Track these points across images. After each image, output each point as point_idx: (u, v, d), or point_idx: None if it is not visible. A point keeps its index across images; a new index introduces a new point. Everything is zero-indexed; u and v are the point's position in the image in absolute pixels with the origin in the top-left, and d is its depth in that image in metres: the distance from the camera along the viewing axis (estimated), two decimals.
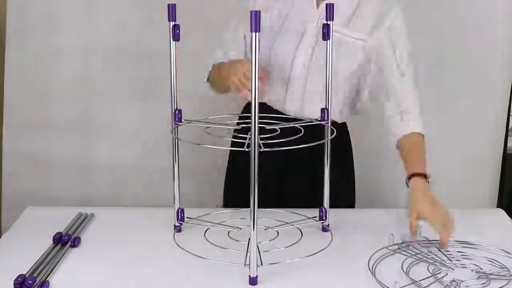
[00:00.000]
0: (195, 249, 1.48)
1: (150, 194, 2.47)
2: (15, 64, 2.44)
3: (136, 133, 2.51)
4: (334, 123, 1.83)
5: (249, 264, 1.36)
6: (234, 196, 1.96)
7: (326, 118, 1.63)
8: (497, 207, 2.49)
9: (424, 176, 1.64)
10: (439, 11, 2.39)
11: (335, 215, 1.70)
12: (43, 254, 1.49)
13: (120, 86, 2.47)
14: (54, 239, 1.57)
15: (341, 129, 1.90)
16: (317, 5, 1.79)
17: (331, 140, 1.60)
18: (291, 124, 1.61)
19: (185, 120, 1.61)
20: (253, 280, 1.36)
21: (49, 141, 2.50)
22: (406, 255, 1.51)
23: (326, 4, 1.57)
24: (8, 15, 2.40)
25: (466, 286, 1.36)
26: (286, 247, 1.52)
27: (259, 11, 1.28)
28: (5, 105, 2.48)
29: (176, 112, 1.60)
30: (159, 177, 2.45)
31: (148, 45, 2.40)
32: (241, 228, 1.61)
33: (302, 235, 1.60)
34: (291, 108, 1.83)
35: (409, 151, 1.72)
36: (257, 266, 1.36)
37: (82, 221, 1.71)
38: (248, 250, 1.38)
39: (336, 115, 1.85)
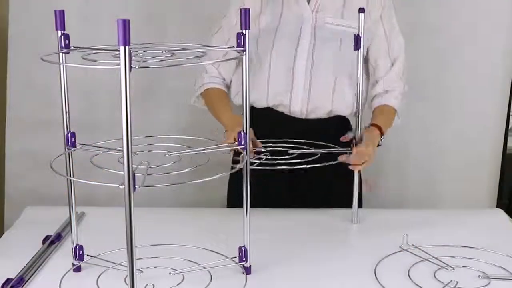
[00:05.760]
0: None
1: (150, 194, 2.47)
2: (17, 63, 2.45)
3: (137, 132, 2.51)
4: (342, 118, 1.86)
5: None
6: (238, 196, 1.95)
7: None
8: (496, 207, 2.50)
9: (381, 133, 1.75)
10: (439, 10, 2.40)
11: (335, 215, 1.70)
12: (34, 256, 1.48)
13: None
14: (43, 241, 1.56)
15: (344, 125, 1.88)
16: (308, 0, 1.77)
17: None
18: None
19: (80, 144, 1.45)
20: None
21: (51, 141, 2.50)
22: (407, 255, 1.52)
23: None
24: (10, 15, 2.41)
25: (466, 287, 1.36)
26: None
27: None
28: (7, 105, 2.48)
29: (69, 135, 1.43)
30: (158, 177, 2.45)
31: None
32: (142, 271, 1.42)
33: (211, 279, 1.38)
34: (297, 109, 1.81)
35: (379, 112, 1.83)
36: None
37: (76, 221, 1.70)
38: None
39: (350, 108, 1.85)
